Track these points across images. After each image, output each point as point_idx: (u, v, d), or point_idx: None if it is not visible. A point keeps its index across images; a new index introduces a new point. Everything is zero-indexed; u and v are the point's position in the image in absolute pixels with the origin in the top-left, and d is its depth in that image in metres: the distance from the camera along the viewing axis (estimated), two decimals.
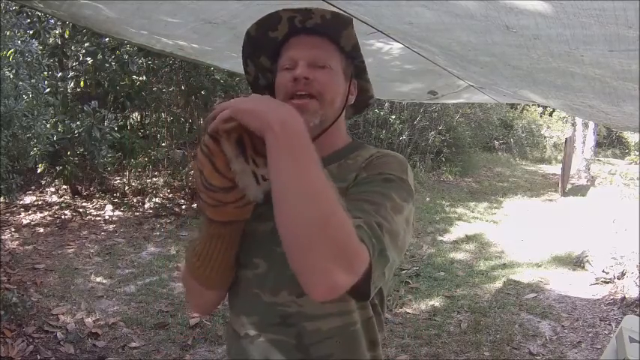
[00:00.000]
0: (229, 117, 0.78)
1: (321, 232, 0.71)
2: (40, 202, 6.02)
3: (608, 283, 4.64)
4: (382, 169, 0.94)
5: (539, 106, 12.81)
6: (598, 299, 4.34)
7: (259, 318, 0.98)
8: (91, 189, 6.52)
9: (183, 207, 6.25)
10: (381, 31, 1.65)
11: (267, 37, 1.01)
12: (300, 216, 0.72)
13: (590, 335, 3.69)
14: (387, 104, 9.71)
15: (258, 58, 1.06)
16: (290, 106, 0.82)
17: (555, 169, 12.20)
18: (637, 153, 13.41)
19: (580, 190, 9.73)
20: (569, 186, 9.99)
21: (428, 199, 8.07)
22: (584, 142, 11.45)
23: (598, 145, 15.02)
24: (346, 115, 1.10)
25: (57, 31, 5.76)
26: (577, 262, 5.24)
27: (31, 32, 4.95)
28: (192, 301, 1.07)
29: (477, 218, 7.33)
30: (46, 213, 5.70)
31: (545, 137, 15.27)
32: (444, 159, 10.43)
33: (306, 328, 0.93)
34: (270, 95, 1.05)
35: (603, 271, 4.78)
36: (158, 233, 5.43)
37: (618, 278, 4.58)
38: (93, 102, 5.31)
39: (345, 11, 1.42)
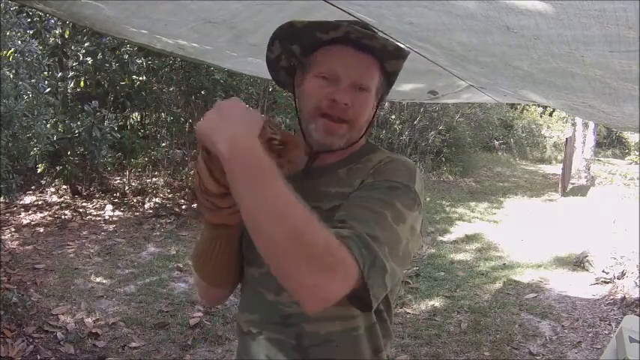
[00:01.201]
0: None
1: (295, 249, 0.71)
2: (40, 202, 6.02)
3: (608, 283, 4.64)
4: (389, 176, 0.92)
5: (539, 106, 12.81)
6: (598, 299, 4.35)
7: (261, 316, 0.99)
8: (91, 189, 6.51)
9: (183, 207, 6.25)
10: (381, 32, 1.65)
11: (312, 35, 0.96)
12: (270, 237, 0.73)
13: (590, 335, 3.70)
14: (387, 104, 9.70)
15: (291, 45, 1.00)
16: (243, 118, 0.79)
17: (555, 169, 12.21)
18: (637, 153, 13.41)
19: (580, 190, 9.73)
20: (569, 186, 9.99)
21: (428, 199, 8.07)
22: (584, 142, 11.46)
23: (598, 145, 15.05)
24: None
25: (57, 31, 5.75)
26: (577, 263, 5.24)
27: (31, 32, 4.95)
28: (199, 292, 1.12)
29: (477, 218, 7.33)
30: (46, 213, 5.70)
31: (545, 137, 15.30)
32: (444, 159, 10.44)
33: (305, 329, 0.94)
34: (288, 76, 1.04)
35: (603, 271, 4.79)
36: (158, 233, 5.43)
37: (618, 278, 4.58)
38: (93, 102, 5.31)
39: (346, 11, 1.42)
